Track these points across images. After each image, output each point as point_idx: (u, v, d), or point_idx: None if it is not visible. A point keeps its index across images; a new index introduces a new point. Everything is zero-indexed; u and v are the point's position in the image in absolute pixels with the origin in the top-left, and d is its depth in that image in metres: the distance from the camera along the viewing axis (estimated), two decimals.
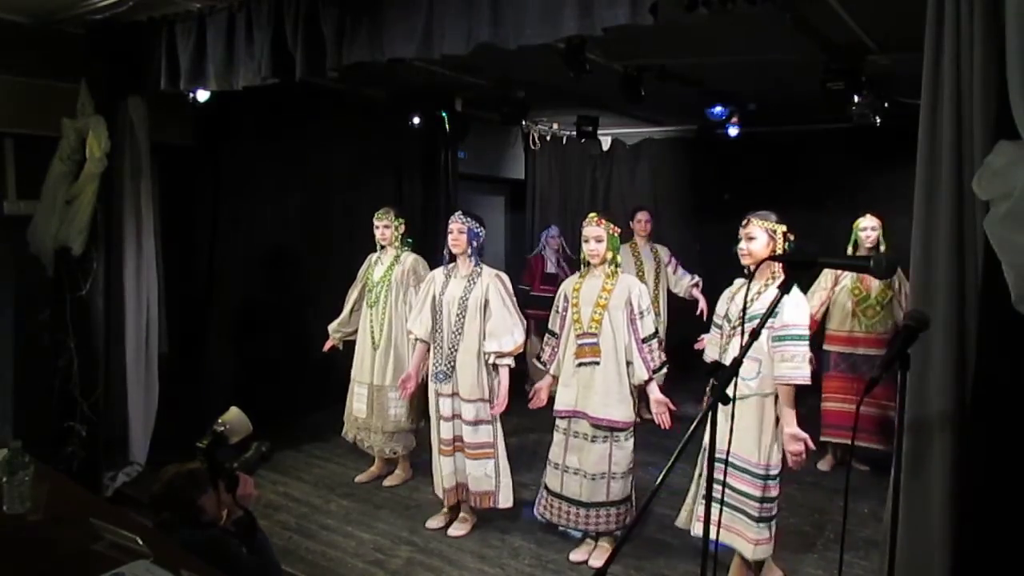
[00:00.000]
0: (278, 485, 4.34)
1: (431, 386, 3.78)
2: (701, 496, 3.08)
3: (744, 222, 3.03)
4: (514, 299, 3.70)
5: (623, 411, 3.37)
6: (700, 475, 3.18)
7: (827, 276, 4.75)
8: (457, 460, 3.73)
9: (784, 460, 2.99)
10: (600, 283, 3.44)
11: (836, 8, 3.36)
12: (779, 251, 2.96)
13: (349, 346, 4.51)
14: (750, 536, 2.99)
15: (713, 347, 3.29)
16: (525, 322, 3.71)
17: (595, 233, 3.41)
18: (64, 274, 4.03)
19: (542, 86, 5.24)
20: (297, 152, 5.43)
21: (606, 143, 7.77)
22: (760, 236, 2.99)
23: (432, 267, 4.01)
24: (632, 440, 3.44)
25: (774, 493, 3.01)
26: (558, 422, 3.54)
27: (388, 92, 5.83)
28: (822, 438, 4.55)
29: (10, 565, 1.92)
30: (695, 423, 1.66)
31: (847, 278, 4.68)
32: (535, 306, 5.64)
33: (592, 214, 3.50)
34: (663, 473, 1.55)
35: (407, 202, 6.29)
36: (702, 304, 5.29)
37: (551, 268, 6.34)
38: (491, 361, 3.61)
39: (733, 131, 5.90)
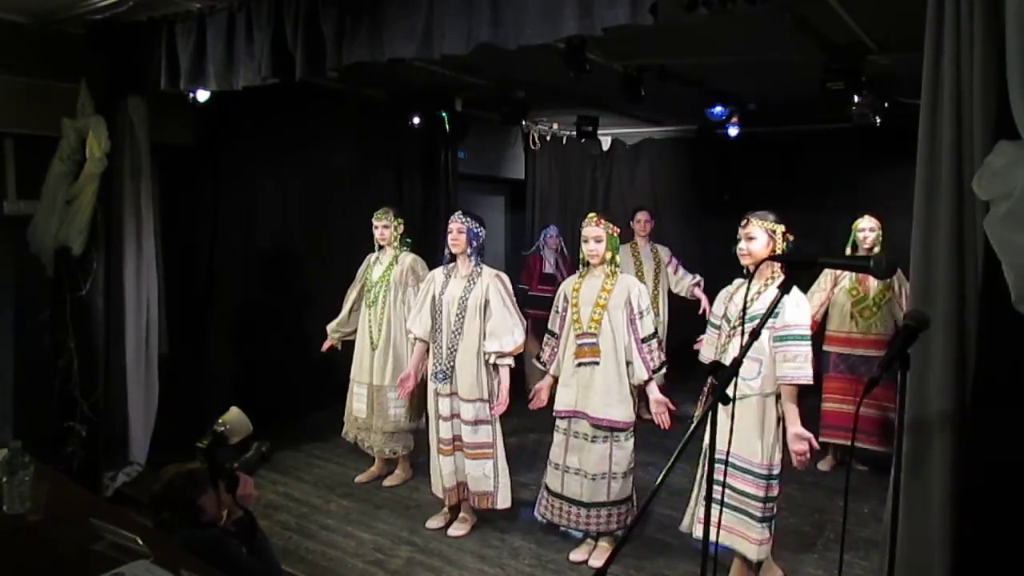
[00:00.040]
0: (278, 485, 4.34)
1: (430, 385, 3.78)
2: (702, 498, 3.08)
3: (743, 222, 3.03)
4: (514, 299, 3.70)
5: (623, 411, 3.37)
6: (702, 477, 3.18)
7: (826, 277, 4.76)
8: (457, 459, 3.73)
9: (786, 460, 3.00)
10: (600, 283, 3.44)
11: (836, 8, 3.36)
12: (778, 251, 2.96)
13: (348, 346, 4.51)
14: (753, 537, 2.99)
15: (709, 347, 3.28)
16: (525, 322, 3.71)
17: (594, 233, 3.41)
18: (64, 274, 4.03)
19: (542, 86, 5.24)
20: (297, 152, 5.43)
21: (606, 143, 7.77)
22: (760, 236, 2.99)
23: (432, 267, 4.00)
24: (632, 440, 3.44)
25: (775, 492, 3.02)
26: (558, 422, 3.54)
27: (388, 92, 5.83)
28: (821, 439, 4.55)
29: (10, 565, 1.92)
30: (695, 423, 1.66)
31: (845, 279, 4.69)
32: (533, 306, 5.64)
33: (591, 214, 3.50)
34: (663, 473, 1.55)
35: (407, 202, 6.29)
36: (704, 303, 5.29)
37: (549, 268, 6.34)
38: (491, 361, 3.61)
39: (733, 131, 5.90)
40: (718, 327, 3.24)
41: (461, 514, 3.84)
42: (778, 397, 3.00)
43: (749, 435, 2.96)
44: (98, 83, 3.93)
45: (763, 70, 4.61)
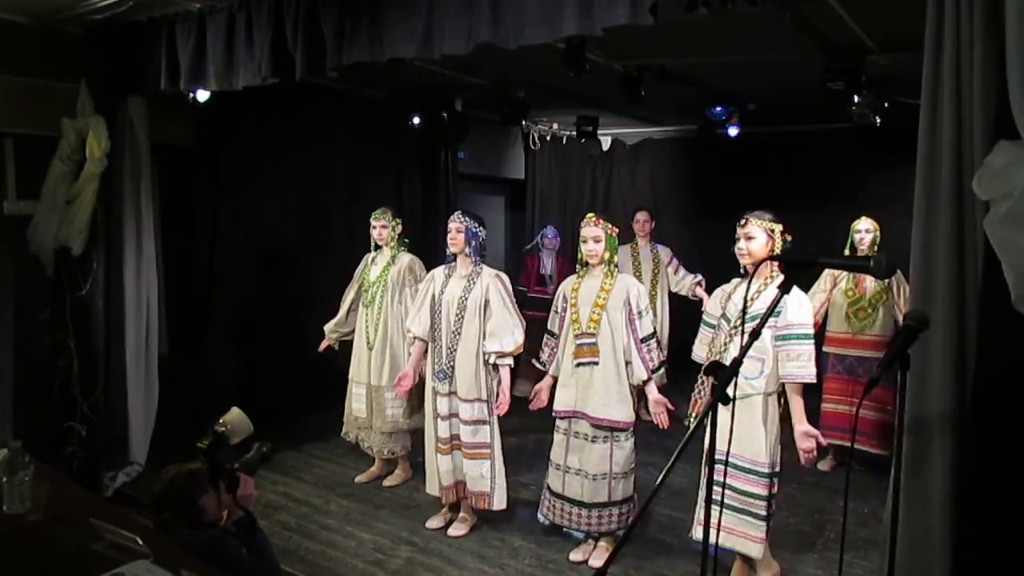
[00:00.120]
0: (278, 485, 4.34)
1: (428, 385, 3.78)
2: (703, 500, 3.09)
3: (742, 221, 3.04)
4: (514, 299, 3.70)
5: (623, 411, 3.37)
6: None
7: (826, 278, 4.77)
8: (455, 458, 3.73)
9: (786, 459, 3.00)
10: (599, 283, 3.44)
11: (836, 8, 3.36)
12: (777, 250, 2.97)
13: (347, 346, 4.51)
14: (757, 536, 3.00)
15: (703, 346, 3.29)
16: (524, 322, 3.71)
17: (593, 233, 3.41)
18: (64, 274, 4.03)
19: (542, 86, 5.24)
20: (297, 152, 5.43)
21: (606, 143, 7.77)
22: (759, 236, 2.99)
23: (431, 267, 4.00)
24: (632, 440, 3.44)
25: (776, 490, 3.05)
26: (558, 423, 3.54)
27: (388, 92, 5.83)
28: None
29: (10, 565, 1.92)
30: (695, 423, 1.66)
31: (843, 280, 4.70)
32: (529, 307, 5.64)
33: (590, 214, 3.50)
34: (663, 473, 1.55)
35: (407, 202, 6.30)
36: (706, 303, 5.28)
37: (544, 270, 6.33)
38: (492, 361, 3.61)
39: (733, 131, 5.90)
40: (714, 326, 3.24)
41: (461, 514, 3.84)
42: (779, 396, 3.01)
43: (753, 434, 2.96)
44: (98, 83, 3.93)
45: (763, 70, 4.61)
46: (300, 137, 5.39)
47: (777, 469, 3.02)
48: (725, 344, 3.10)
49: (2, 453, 2.17)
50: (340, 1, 3.05)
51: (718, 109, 5.64)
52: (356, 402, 4.40)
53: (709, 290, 5.22)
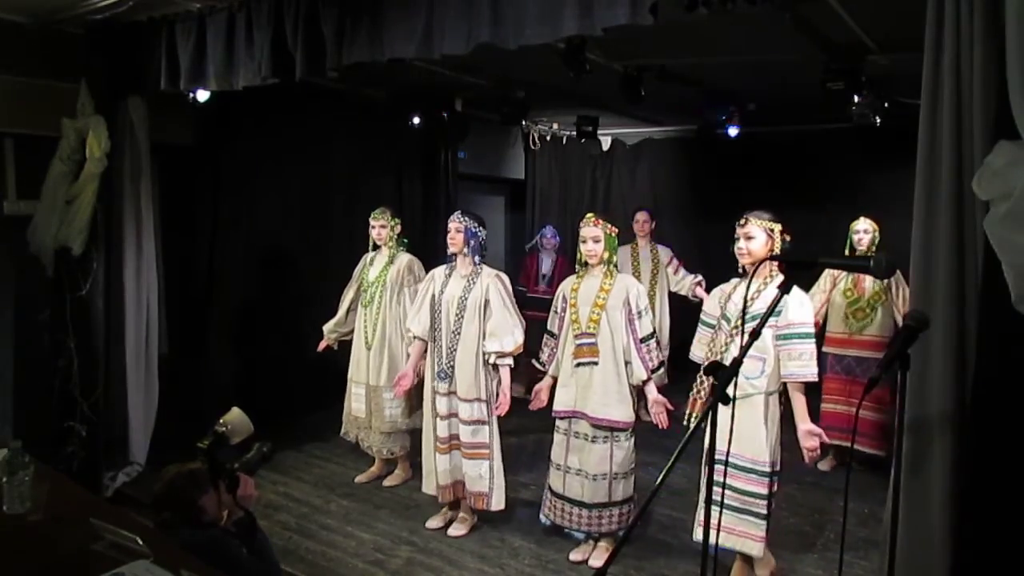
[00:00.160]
0: (278, 485, 4.34)
1: (427, 384, 3.78)
2: (704, 500, 3.09)
3: (742, 221, 3.04)
4: (514, 299, 3.70)
5: (623, 411, 3.37)
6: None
7: (826, 278, 4.78)
8: (453, 457, 3.73)
9: (785, 459, 3.00)
10: (598, 283, 3.44)
11: (836, 8, 3.36)
12: (777, 250, 2.98)
13: (346, 346, 4.50)
14: (758, 535, 3.01)
15: (701, 346, 3.29)
16: (524, 322, 3.71)
17: (592, 233, 3.41)
18: (64, 274, 4.03)
19: (542, 86, 5.24)
20: (297, 152, 5.43)
21: (606, 143, 7.77)
22: (759, 235, 3.00)
23: (431, 267, 4.00)
24: (632, 440, 3.44)
25: (776, 488, 3.05)
26: (558, 423, 3.54)
27: (388, 92, 5.83)
28: None
29: (10, 565, 1.92)
30: (695, 423, 1.66)
31: (843, 280, 4.71)
32: (529, 307, 5.63)
33: (589, 215, 3.50)
34: (663, 473, 1.55)
35: (407, 202, 6.30)
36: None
37: (544, 269, 6.33)
38: (492, 361, 3.60)
39: (733, 131, 5.90)
40: (713, 327, 3.24)
41: (461, 514, 3.84)
42: (780, 395, 3.02)
43: (754, 434, 2.97)
44: (98, 83, 3.93)
45: (763, 70, 4.61)
46: (300, 137, 5.39)
47: (777, 468, 3.03)
48: (726, 344, 3.10)
49: (2, 453, 2.17)
50: (340, 1, 3.05)
51: (721, 117, 5.65)
52: (355, 402, 4.40)
53: (708, 290, 5.23)
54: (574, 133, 7.07)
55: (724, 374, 1.75)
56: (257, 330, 5.33)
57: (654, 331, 3.49)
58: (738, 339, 3.01)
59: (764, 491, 2.98)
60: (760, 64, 4.45)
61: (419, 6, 2.85)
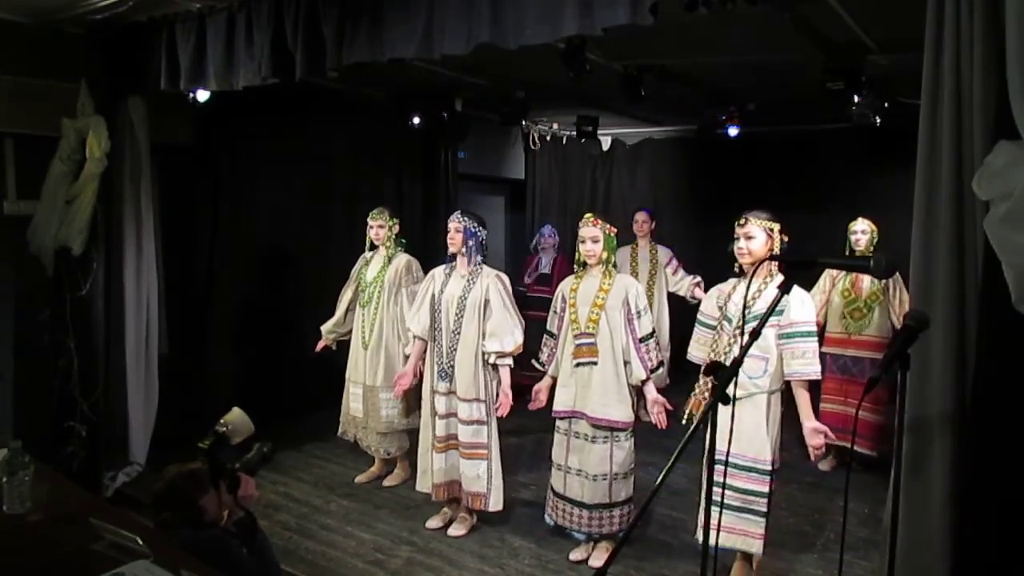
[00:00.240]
0: (278, 485, 4.34)
1: (426, 383, 3.78)
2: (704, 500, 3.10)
3: (741, 221, 3.04)
4: (513, 299, 3.71)
5: (622, 411, 3.37)
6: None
7: (825, 279, 4.78)
8: (449, 457, 3.73)
9: (784, 458, 3.00)
10: (597, 283, 3.44)
11: (836, 8, 3.36)
12: (776, 249, 2.99)
13: (344, 345, 4.50)
14: (758, 532, 3.02)
15: (700, 346, 3.29)
16: (523, 322, 3.71)
17: (591, 233, 3.41)
18: (64, 274, 4.03)
19: (542, 86, 5.24)
20: (297, 152, 5.43)
21: (606, 143, 7.77)
22: (759, 235, 3.00)
23: (430, 267, 4.00)
24: (632, 440, 3.44)
25: (775, 486, 3.07)
26: (558, 423, 3.54)
27: (388, 92, 5.83)
28: None
29: (10, 565, 1.92)
30: (695, 423, 1.66)
31: (841, 280, 4.71)
32: (529, 307, 5.63)
33: (588, 215, 3.51)
34: (663, 473, 1.55)
35: (407, 202, 6.30)
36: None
37: (544, 268, 6.34)
38: (491, 361, 3.61)
39: (733, 131, 5.90)
40: (712, 327, 3.24)
41: (461, 514, 3.84)
42: (781, 394, 3.02)
43: (757, 432, 2.98)
44: (98, 83, 3.93)
45: (763, 70, 4.61)
46: (300, 137, 5.39)
47: (777, 467, 3.05)
48: (729, 344, 3.10)
49: (2, 453, 2.17)
50: (340, 1, 3.05)
51: (721, 117, 5.65)
52: (353, 402, 4.39)
53: (706, 291, 5.23)
54: (574, 133, 7.06)
55: (724, 374, 1.75)
56: (257, 330, 5.33)
57: (653, 331, 3.49)
58: (740, 339, 3.01)
59: (765, 489, 2.99)
60: (760, 64, 4.44)
61: (419, 6, 2.85)
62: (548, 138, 7.61)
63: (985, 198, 1.86)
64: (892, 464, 1.92)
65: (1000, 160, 1.81)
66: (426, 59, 3.04)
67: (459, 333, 3.63)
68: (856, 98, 4.50)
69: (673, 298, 5.64)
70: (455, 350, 3.65)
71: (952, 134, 1.98)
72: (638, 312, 3.40)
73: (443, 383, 3.68)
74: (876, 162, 5.87)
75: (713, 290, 3.35)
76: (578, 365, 3.43)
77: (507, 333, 3.58)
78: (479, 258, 3.68)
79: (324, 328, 4.48)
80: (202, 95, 4.14)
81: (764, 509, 3.01)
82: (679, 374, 4.57)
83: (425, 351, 3.83)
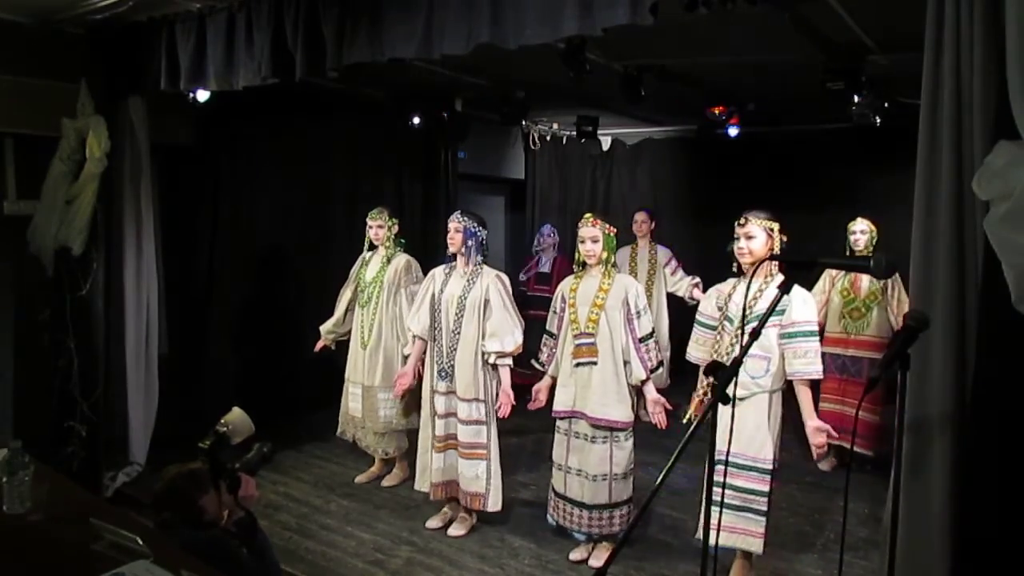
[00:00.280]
0: (278, 485, 4.34)
1: (426, 383, 3.78)
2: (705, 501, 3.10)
3: (741, 221, 3.04)
4: (513, 299, 3.71)
5: (622, 411, 3.37)
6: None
7: (825, 279, 4.78)
8: (448, 456, 3.73)
9: (784, 458, 3.00)
10: (597, 283, 3.44)
11: (836, 8, 3.36)
12: (776, 249, 2.99)
13: (343, 345, 4.50)
14: (758, 531, 3.03)
15: (701, 347, 3.29)
16: (523, 322, 3.71)
17: (591, 234, 3.41)
18: (64, 274, 4.03)
19: (542, 86, 5.24)
20: (297, 152, 5.43)
21: (606, 143, 7.77)
22: (759, 235, 3.00)
23: (429, 268, 4.00)
24: (632, 440, 3.44)
25: (775, 485, 3.07)
26: (558, 423, 3.54)
27: (388, 92, 5.83)
28: None
29: (10, 565, 1.92)
30: (696, 423, 1.66)
31: (840, 280, 4.71)
32: (529, 306, 5.64)
33: (587, 215, 3.51)
34: (663, 473, 1.55)
35: (407, 202, 6.30)
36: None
37: (543, 268, 6.34)
38: (491, 361, 3.60)
39: (733, 131, 5.90)
40: (712, 328, 3.24)
41: (461, 514, 3.84)
42: (783, 393, 3.02)
43: (758, 431, 2.99)
44: (98, 83, 3.93)
45: (763, 70, 4.61)
46: (300, 137, 5.39)
47: (777, 465, 3.05)
48: (732, 345, 3.10)
49: (2, 453, 2.17)
50: (340, 1, 3.05)
51: (721, 117, 5.65)
52: (352, 401, 4.39)
53: (705, 291, 5.23)
54: (574, 133, 7.06)
55: (724, 374, 1.75)
56: (257, 330, 5.33)
57: (653, 331, 3.49)
58: (742, 339, 3.02)
59: (765, 488, 3.00)
60: (760, 64, 4.44)
61: (419, 7, 2.85)
62: (548, 138, 7.61)
63: (985, 198, 1.86)
64: (892, 464, 1.91)
65: (1000, 160, 1.81)
66: (426, 59, 3.03)
67: (459, 333, 3.63)
68: (856, 98, 4.50)
69: (672, 298, 5.64)
70: (455, 350, 3.65)
71: (952, 134, 1.98)
72: (638, 312, 3.40)
73: (443, 383, 3.68)
74: (876, 162, 5.87)
75: (712, 290, 3.35)
76: (578, 365, 3.43)
77: (507, 333, 3.58)
78: (479, 258, 3.68)
79: (323, 328, 4.48)
80: (202, 95, 4.14)
81: (764, 508, 3.01)
82: (679, 374, 4.56)
83: (425, 351, 3.83)
